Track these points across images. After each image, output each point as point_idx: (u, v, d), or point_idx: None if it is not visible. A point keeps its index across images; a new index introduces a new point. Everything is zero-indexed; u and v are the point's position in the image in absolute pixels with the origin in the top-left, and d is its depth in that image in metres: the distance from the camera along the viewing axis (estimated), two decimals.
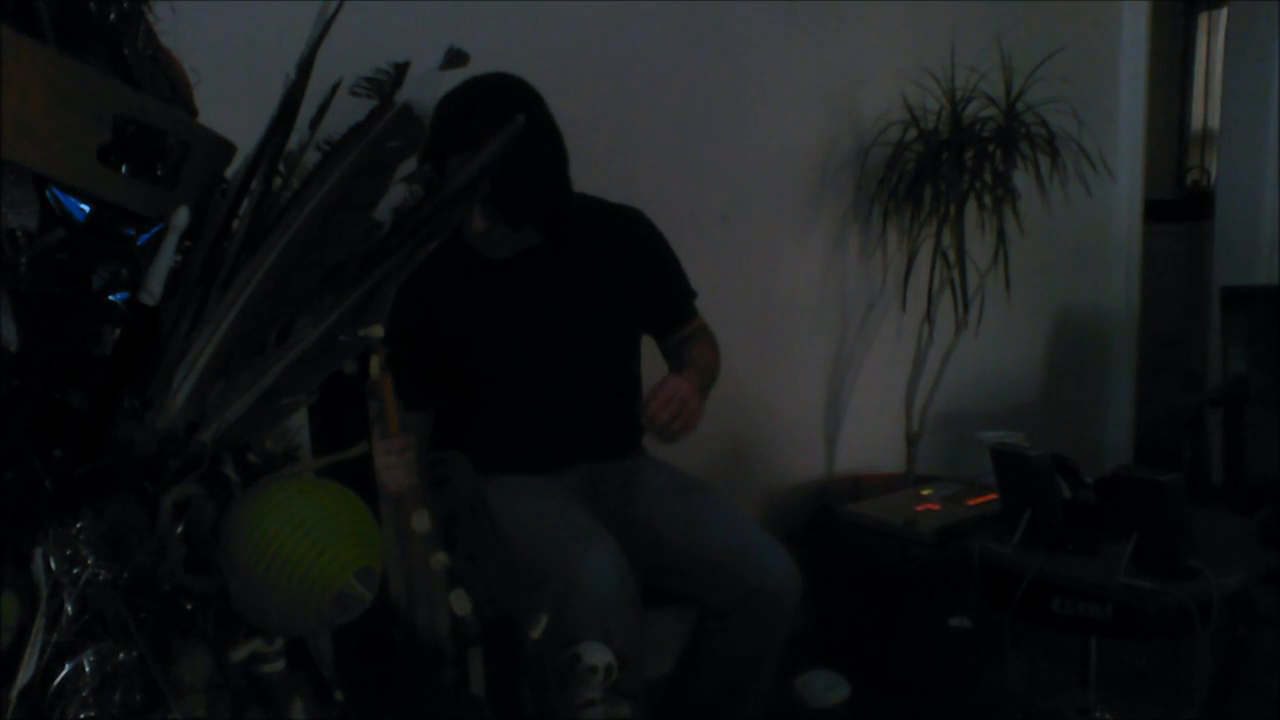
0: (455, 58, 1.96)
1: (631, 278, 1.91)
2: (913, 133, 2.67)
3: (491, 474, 1.80)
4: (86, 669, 0.73)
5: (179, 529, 0.79)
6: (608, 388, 1.92)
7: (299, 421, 0.94)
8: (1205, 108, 4.81)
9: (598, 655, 1.25)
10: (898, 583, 2.36)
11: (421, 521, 1.12)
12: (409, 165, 0.94)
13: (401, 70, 1.93)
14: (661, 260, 1.97)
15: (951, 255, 2.63)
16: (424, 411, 1.87)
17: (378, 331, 0.93)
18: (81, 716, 0.73)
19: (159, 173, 0.84)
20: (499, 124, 1.65)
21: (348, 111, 0.91)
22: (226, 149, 0.88)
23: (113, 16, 0.83)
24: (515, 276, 1.85)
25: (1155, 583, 1.75)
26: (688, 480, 1.93)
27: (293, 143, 0.89)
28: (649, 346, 2.00)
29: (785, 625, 1.77)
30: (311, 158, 0.90)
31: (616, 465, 1.92)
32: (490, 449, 1.83)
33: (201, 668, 0.79)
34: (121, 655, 0.74)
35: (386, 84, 1.87)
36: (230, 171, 0.89)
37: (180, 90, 0.91)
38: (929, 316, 2.73)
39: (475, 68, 1.85)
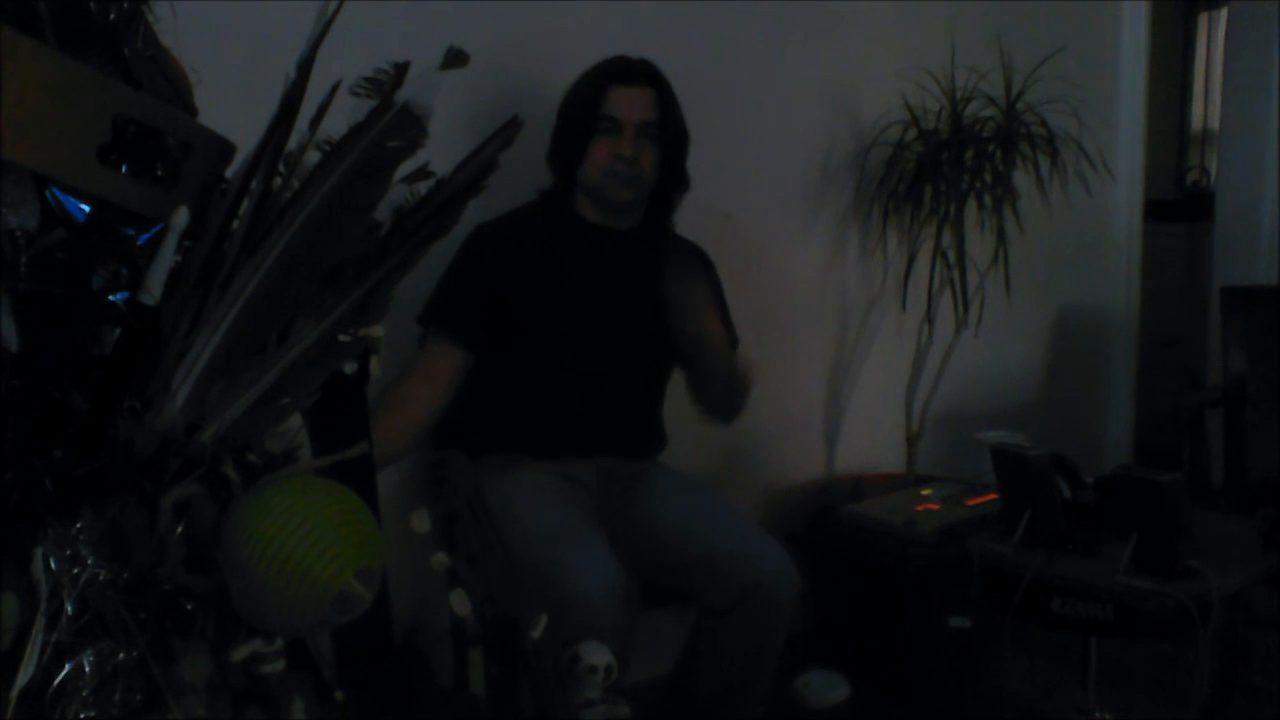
0: (455, 58, 1.95)
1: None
2: (913, 133, 2.67)
3: (515, 454, 1.82)
4: (86, 669, 0.73)
5: (179, 529, 0.79)
6: (644, 391, 1.97)
7: (299, 421, 0.94)
8: (1205, 108, 4.81)
9: (598, 655, 1.25)
10: (898, 583, 2.36)
11: (421, 521, 1.12)
12: (409, 165, 0.94)
13: (401, 70, 1.93)
14: (715, 298, 2.01)
15: (951, 255, 2.62)
16: (460, 346, 1.84)
17: (378, 332, 0.93)
18: (81, 716, 0.73)
19: (159, 173, 0.84)
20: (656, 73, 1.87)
21: (348, 111, 0.91)
22: (226, 149, 0.88)
23: (113, 16, 0.83)
24: (600, 260, 1.90)
25: (1155, 583, 1.75)
26: (690, 482, 1.94)
27: (293, 143, 0.89)
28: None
29: (784, 624, 1.78)
30: (311, 158, 0.90)
31: (631, 466, 1.92)
32: (522, 423, 1.86)
33: (201, 668, 0.79)
34: (121, 655, 0.74)
35: (386, 84, 1.86)
36: (230, 171, 0.89)
37: (180, 90, 0.91)
38: (929, 316, 2.72)
39: (475, 68, 1.84)
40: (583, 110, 1.84)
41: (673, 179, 1.92)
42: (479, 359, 1.86)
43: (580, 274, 1.89)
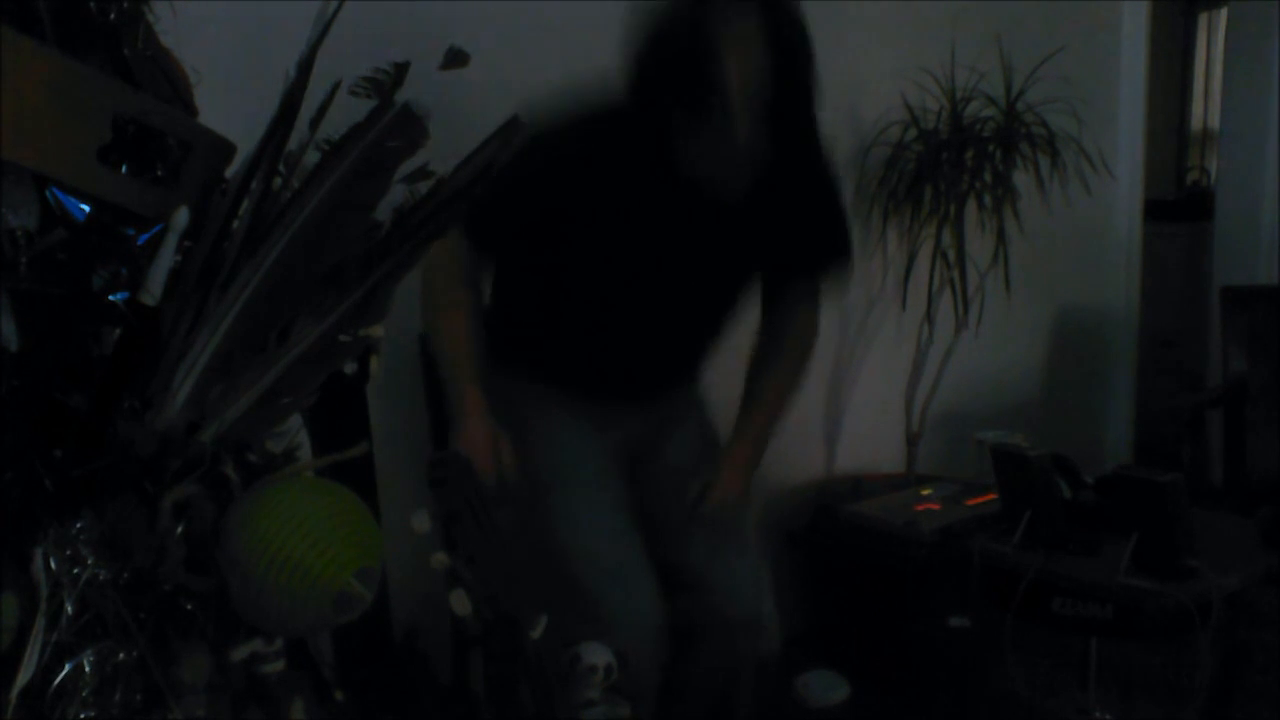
0: (455, 58, 1.95)
1: (777, 233, 1.69)
2: (913, 133, 2.67)
3: (538, 395, 1.70)
4: (86, 669, 0.73)
5: (179, 529, 0.79)
6: (695, 343, 1.80)
7: (299, 421, 0.94)
8: (1205, 108, 4.81)
9: (598, 655, 1.25)
10: (898, 583, 2.36)
11: (421, 521, 1.12)
12: (409, 165, 0.94)
13: (401, 70, 1.93)
14: (819, 212, 1.74)
15: (951, 255, 2.62)
16: (487, 261, 1.69)
17: (378, 332, 0.93)
18: (81, 716, 0.73)
19: (159, 173, 0.84)
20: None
21: (348, 111, 0.91)
22: (226, 149, 0.88)
23: (113, 16, 0.83)
24: (680, 214, 1.61)
25: (1155, 583, 1.74)
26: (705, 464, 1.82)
27: (293, 143, 0.89)
28: None
29: (745, 650, 1.73)
30: (311, 158, 0.90)
31: (658, 412, 1.81)
32: (551, 360, 1.73)
33: (201, 668, 0.79)
34: (121, 655, 0.74)
35: (386, 84, 1.87)
36: (230, 171, 0.89)
37: (180, 90, 0.91)
38: (929, 316, 2.72)
39: (475, 68, 1.85)
40: (681, 76, 1.44)
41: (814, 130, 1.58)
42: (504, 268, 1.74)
43: (644, 213, 1.61)
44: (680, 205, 1.61)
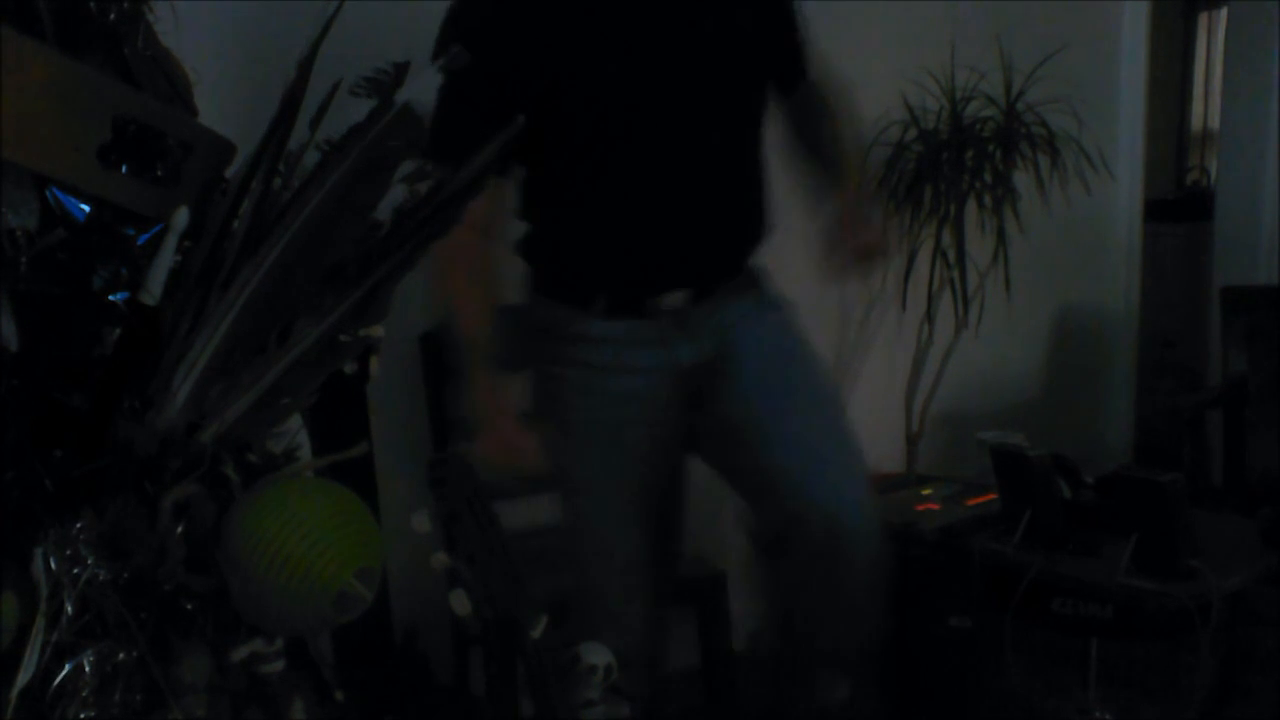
0: (455, 57, 1.95)
1: (756, 24, 1.57)
2: (913, 133, 2.67)
3: (569, 304, 1.54)
4: (86, 669, 0.73)
5: (179, 529, 0.79)
6: (736, 169, 1.61)
7: (299, 421, 0.94)
8: (1205, 108, 4.81)
9: (598, 655, 1.25)
10: (898, 583, 2.36)
11: (421, 522, 1.12)
12: (409, 165, 0.94)
13: (401, 70, 1.93)
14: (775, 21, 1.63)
15: (951, 255, 2.62)
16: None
17: (378, 332, 0.93)
18: (81, 716, 0.73)
19: (159, 173, 0.84)
20: None
21: (348, 111, 0.91)
22: (226, 149, 0.88)
23: (113, 16, 0.83)
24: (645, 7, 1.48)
25: (1155, 583, 1.75)
26: (787, 363, 1.67)
27: (293, 143, 0.89)
28: None
29: (851, 570, 1.53)
30: (311, 158, 0.90)
31: (714, 312, 1.61)
32: (580, 253, 1.55)
33: (201, 668, 0.79)
34: (121, 655, 0.74)
35: (386, 84, 1.86)
36: (230, 171, 0.89)
37: (180, 90, 0.91)
38: (929, 316, 2.72)
39: None
40: None
41: None
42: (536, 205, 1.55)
43: (618, 32, 1.47)
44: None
